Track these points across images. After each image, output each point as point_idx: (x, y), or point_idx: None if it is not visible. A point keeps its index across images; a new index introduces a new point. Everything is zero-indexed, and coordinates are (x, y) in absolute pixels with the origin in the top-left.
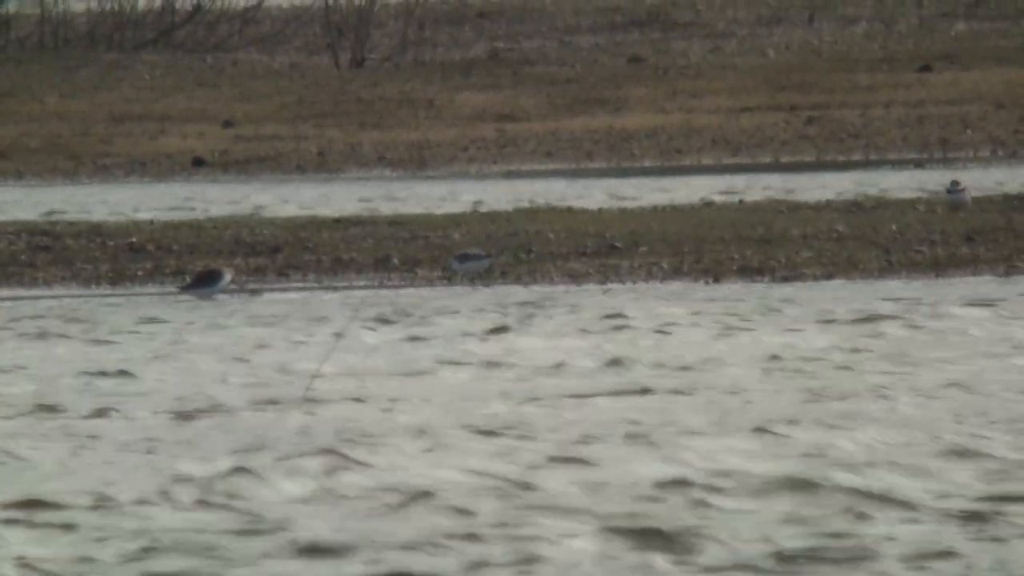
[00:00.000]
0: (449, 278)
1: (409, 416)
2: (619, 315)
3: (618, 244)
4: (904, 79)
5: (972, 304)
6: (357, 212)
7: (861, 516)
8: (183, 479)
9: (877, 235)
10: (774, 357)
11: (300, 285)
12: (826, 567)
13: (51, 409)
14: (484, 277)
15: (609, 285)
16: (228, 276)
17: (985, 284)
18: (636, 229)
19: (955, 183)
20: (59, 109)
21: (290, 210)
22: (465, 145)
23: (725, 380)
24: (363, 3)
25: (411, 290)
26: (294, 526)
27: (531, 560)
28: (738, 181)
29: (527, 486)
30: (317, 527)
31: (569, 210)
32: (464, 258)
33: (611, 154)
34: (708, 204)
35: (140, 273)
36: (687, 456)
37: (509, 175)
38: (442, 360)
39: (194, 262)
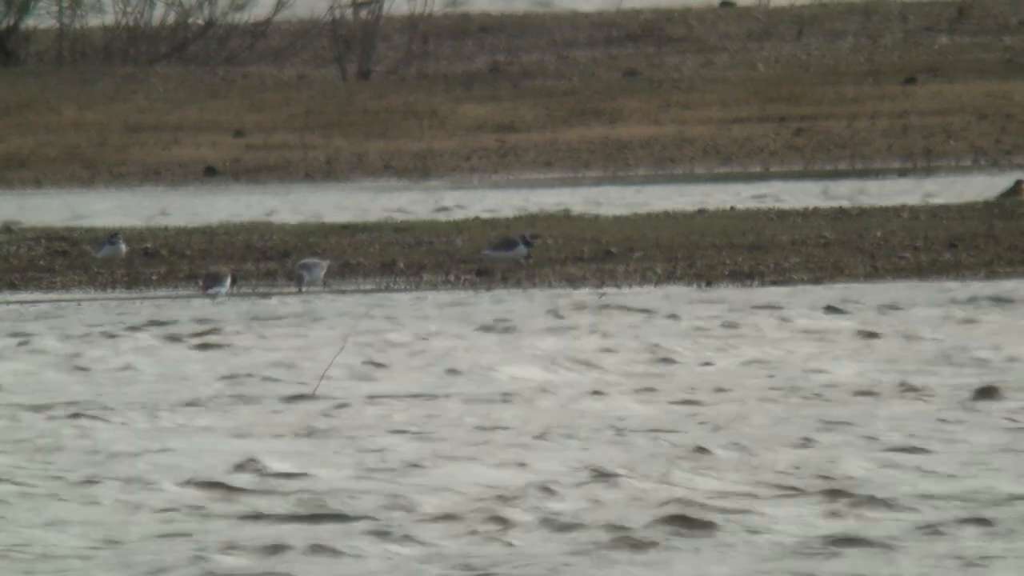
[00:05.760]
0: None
1: None
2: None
3: (614, 250)
4: (889, 91)
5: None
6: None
7: None
8: None
9: (863, 241)
10: None
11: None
12: None
13: None
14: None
15: (604, 289)
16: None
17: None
18: (631, 235)
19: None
20: (76, 120)
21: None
22: (467, 154)
23: None
24: (369, 17)
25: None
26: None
27: None
28: (730, 189)
29: None
30: None
31: (567, 217)
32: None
33: (607, 163)
34: (700, 211)
35: (154, 277)
36: None
37: (509, 183)
38: None
39: (206, 267)
